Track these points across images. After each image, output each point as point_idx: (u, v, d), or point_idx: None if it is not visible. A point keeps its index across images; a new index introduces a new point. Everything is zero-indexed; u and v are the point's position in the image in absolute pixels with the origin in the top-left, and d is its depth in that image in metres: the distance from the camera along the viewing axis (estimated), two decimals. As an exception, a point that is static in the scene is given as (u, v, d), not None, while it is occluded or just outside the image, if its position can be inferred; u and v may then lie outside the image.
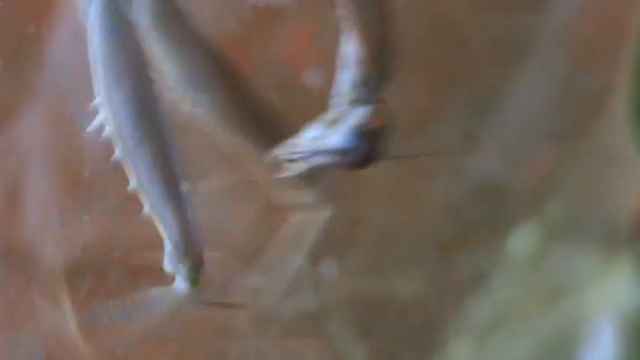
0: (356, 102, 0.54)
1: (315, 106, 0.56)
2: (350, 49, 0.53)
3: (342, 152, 0.53)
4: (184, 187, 0.54)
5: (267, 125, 0.56)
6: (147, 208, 0.54)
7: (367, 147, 0.53)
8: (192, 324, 0.71)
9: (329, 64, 0.55)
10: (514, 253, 0.90)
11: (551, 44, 0.88)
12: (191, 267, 0.54)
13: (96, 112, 0.53)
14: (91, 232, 0.60)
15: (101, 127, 0.53)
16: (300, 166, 0.55)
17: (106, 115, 0.53)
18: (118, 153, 0.53)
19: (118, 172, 0.65)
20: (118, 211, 0.62)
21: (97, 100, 0.53)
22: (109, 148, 0.65)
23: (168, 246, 0.54)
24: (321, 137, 0.54)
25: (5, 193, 0.67)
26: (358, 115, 0.54)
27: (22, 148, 0.67)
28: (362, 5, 0.53)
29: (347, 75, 0.54)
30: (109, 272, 0.66)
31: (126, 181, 0.66)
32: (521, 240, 0.90)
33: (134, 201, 0.66)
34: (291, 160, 0.55)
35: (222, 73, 0.55)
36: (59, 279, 0.67)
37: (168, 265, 0.55)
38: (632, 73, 0.88)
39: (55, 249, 0.67)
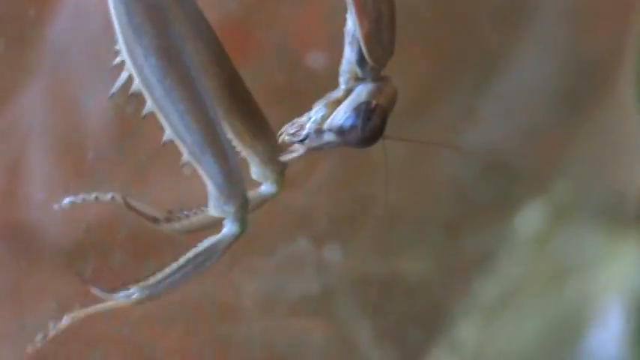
0: (359, 80, 0.54)
1: (320, 86, 0.55)
2: (351, 26, 0.53)
3: (345, 131, 0.53)
4: (221, 128, 0.53)
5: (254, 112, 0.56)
6: (185, 155, 0.52)
7: (369, 125, 0.53)
8: (198, 306, 0.71)
9: (337, 44, 0.54)
10: (521, 233, 0.90)
11: (553, 14, 0.88)
12: (238, 207, 0.53)
13: (118, 71, 0.52)
14: (95, 213, 0.59)
15: (126, 85, 0.52)
16: (307, 145, 0.54)
17: (130, 71, 0.52)
18: (148, 106, 0.52)
19: (123, 153, 0.66)
20: (123, 192, 0.62)
21: (118, 58, 0.52)
22: (112, 127, 0.66)
23: (212, 190, 0.53)
24: (326, 116, 0.54)
25: (8, 173, 0.67)
26: (361, 93, 0.53)
27: (25, 127, 0.67)
28: None
29: (350, 53, 0.53)
30: (114, 253, 0.65)
31: (131, 161, 0.66)
32: (528, 219, 0.89)
33: (139, 181, 0.66)
34: (297, 140, 0.54)
35: (218, 58, 0.55)
36: (63, 260, 0.67)
37: (214, 209, 0.54)
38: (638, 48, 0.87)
39: (58, 229, 0.67)
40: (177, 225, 0.55)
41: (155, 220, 0.55)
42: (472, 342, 0.88)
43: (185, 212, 0.56)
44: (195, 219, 0.55)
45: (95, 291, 0.55)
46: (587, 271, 0.94)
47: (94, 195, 0.56)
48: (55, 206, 0.56)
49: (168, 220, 0.55)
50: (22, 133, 0.67)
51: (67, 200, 0.56)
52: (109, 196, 0.56)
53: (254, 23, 0.72)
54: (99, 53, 0.53)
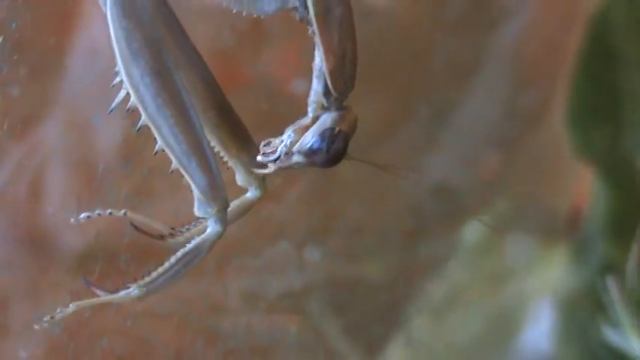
0: (325, 108, 0.53)
1: (298, 112, 0.54)
2: (318, 62, 0.52)
3: (312, 153, 0.53)
4: (205, 140, 0.52)
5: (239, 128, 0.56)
6: (174, 163, 0.52)
7: (333, 148, 0.53)
8: (190, 301, 0.70)
9: (311, 75, 0.54)
10: (467, 242, 0.90)
11: (497, 64, 0.88)
12: (220, 208, 0.53)
13: (117, 89, 0.51)
14: (104, 221, 0.58)
15: (124, 101, 0.51)
16: (279, 164, 0.53)
17: (128, 89, 0.51)
18: (142, 120, 0.51)
19: (128, 168, 0.65)
20: (128, 202, 0.61)
21: (117, 78, 0.51)
22: (119, 147, 0.65)
23: (197, 194, 0.52)
24: (295, 140, 0.53)
25: (30, 187, 0.65)
26: (326, 120, 0.53)
27: (45, 148, 0.66)
28: (325, 26, 0.51)
29: (317, 85, 0.53)
30: (120, 256, 0.64)
31: (134, 177, 0.65)
32: (473, 231, 0.89)
33: (142, 193, 0.65)
34: (270, 160, 0.54)
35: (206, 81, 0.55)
36: (75, 261, 0.65)
37: (198, 210, 0.53)
38: (569, 92, 0.87)
39: (72, 236, 0.65)
40: (180, 239, 0.55)
41: (161, 237, 0.55)
42: (424, 336, 0.88)
43: (186, 227, 0.55)
44: (195, 229, 0.55)
45: (99, 293, 0.54)
46: (522, 275, 0.95)
47: (108, 211, 0.55)
48: (72, 220, 0.55)
49: (172, 235, 0.55)
50: (43, 152, 0.65)
51: (83, 215, 0.55)
52: (121, 212, 0.55)
53: (242, 57, 0.71)
54: (108, 82, 0.52)
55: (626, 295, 0.78)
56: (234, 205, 0.55)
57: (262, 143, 0.54)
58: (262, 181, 0.55)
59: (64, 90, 0.65)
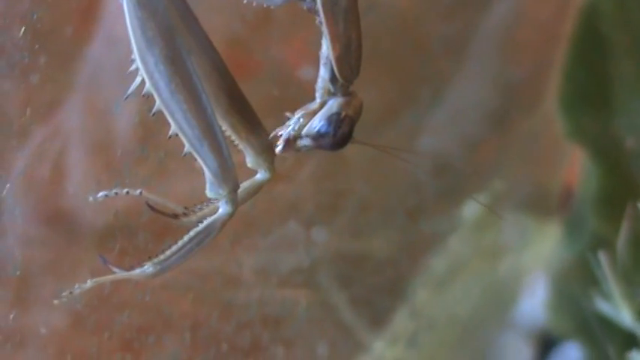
0: (331, 94, 0.53)
1: (307, 98, 0.54)
2: (325, 50, 0.52)
3: (320, 136, 0.53)
4: (217, 124, 0.52)
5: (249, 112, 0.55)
6: (187, 147, 0.52)
7: (339, 132, 0.53)
8: (206, 276, 0.70)
9: (319, 63, 0.53)
10: (466, 220, 0.89)
11: (491, 48, 0.87)
12: (230, 190, 0.52)
13: (133, 76, 0.51)
14: (122, 200, 0.58)
15: (140, 88, 0.51)
16: (288, 147, 0.54)
17: (143, 76, 0.51)
18: (156, 105, 0.51)
19: (145, 151, 0.64)
20: (145, 184, 0.60)
21: (133, 66, 0.51)
22: (136, 130, 0.64)
23: (208, 176, 0.52)
24: (304, 124, 0.53)
25: (52, 169, 0.64)
26: (332, 105, 0.53)
27: (67, 132, 0.65)
28: (331, 16, 0.51)
29: (324, 72, 0.53)
30: (138, 234, 0.63)
31: (151, 160, 0.64)
32: (472, 208, 0.89)
33: (158, 175, 0.65)
34: (280, 142, 0.54)
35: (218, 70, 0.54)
36: (95, 239, 0.65)
37: (210, 192, 0.53)
38: (561, 78, 0.86)
39: (92, 215, 0.65)
40: (193, 218, 0.54)
41: (175, 216, 0.54)
42: (428, 307, 0.88)
43: (198, 207, 0.54)
44: (207, 209, 0.54)
45: (115, 270, 0.54)
46: (518, 250, 0.95)
47: (125, 190, 0.55)
48: (91, 198, 0.55)
49: (185, 214, 0.54)
50: (64, 136, 0.65)
51: (101, 194, 0.55)
52: (137, 191, 0.55)
53: (253, 45, 0.71)
54: (126, 69, 0.51)
55: (617, 269, 0.77)
56: (244, 186, 0.55)
57: (275, 130, 0.54)
58: (271, 163, 0.55)
59: (85, 76, 0.65)
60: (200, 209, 0.54)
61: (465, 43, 0.86)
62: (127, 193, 0.55)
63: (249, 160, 0.55)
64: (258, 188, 0.55)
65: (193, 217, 0.54)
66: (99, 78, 0.64)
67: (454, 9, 0.84)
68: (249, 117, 0.55)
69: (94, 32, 0.64)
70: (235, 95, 0.55)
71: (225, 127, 0.54)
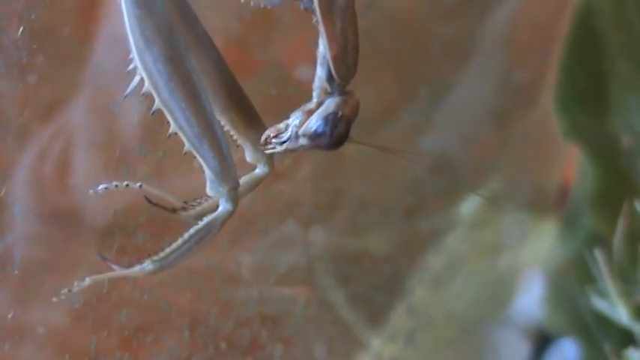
0: (328, 94, 0.52)
1: (305, 96, 0.53)
2: (322, 49, 0.52)
3: (317, 136, 0.52)
4: (217, 123, 0.51)
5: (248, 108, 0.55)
6: (187, 146, 0.51)
7: (336, 132, 0.52)
8: (206, 275, 0.69)
9: (316, 62, 0.53)
10: (464, 217, 0.88)
11: (490, 48, 0.86)
12: (230, 188, 0.52)
13: (132, 75, 0.50)
14: (122, 199, 0.57)
15: (139, 87, 0.50)
16: (285, 146, 0.53)
17: (142, 75, 0.50)
18: (156, 104, 0.50)
19: (144, 150, 0.63)
20: (145, 182, 0.59)
21: (132, 65, 0.50)
22: (136, 129, 0.63)
23: (208, 174, 0.52)
24: (301, 124, 0.52)
25: (51, 168, 0.64)
26: (329, 105, 0.52)
27: (66, 131, 0.64)
28: (328, 16, 0.51)
29: (321, 71, 0.52)
30: (136, 233, 0.63)
31: (151, 157, 0.63)
32: (470, 206, 0.88)
33: (157, 174, 0.64)
34: (277, 142, 0.53)
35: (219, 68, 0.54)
36: (95, 238, 0.64)
37: (210, 190, 0.52)
38: (558, 77, 0.85)
39: (92, 213, 0.64)
40: (192, 212, 0.53)
41: (173, 210, 0.53)
42: (425, 304, 0.87)
43: (197, 201, 0.53)
44: (207, 205, 0.53)
45: (114, 268, 0.53)
46: (515, 247, 0.94)
47: (125, 183, 0.54)
48: (91, 192, 0.54)
49: (184, 209, 0.53)
50: (64, 135, 0.64)
51: (101, 187, 0.54)
52: (137, 184, 0.54)
53: (252, 44, 0.70)
54: (125, 69, 0.50)
55: (613, 266, 0.77)
56: (243, 181, 0.54)
57: (269, 129, 0.53)
58: (270, 157, 0.54)
59: (85, 76, 0.64)
60: (199, 203, 0.53)
61: (464, 42, 0.85)
62: (127, 185, 0.54)
63: (249, 155, 0.54)
64: (258, 183, 0.54)
65: (192, 212, 0.53)
66: (99, 77, 0.64)
67: (453, 9, 0.83)
68: (248, 112, 0.54)
69: (95, 31, 0.63)
70: (234, 90, 0.54)
71: (224, 122, 0.54)
